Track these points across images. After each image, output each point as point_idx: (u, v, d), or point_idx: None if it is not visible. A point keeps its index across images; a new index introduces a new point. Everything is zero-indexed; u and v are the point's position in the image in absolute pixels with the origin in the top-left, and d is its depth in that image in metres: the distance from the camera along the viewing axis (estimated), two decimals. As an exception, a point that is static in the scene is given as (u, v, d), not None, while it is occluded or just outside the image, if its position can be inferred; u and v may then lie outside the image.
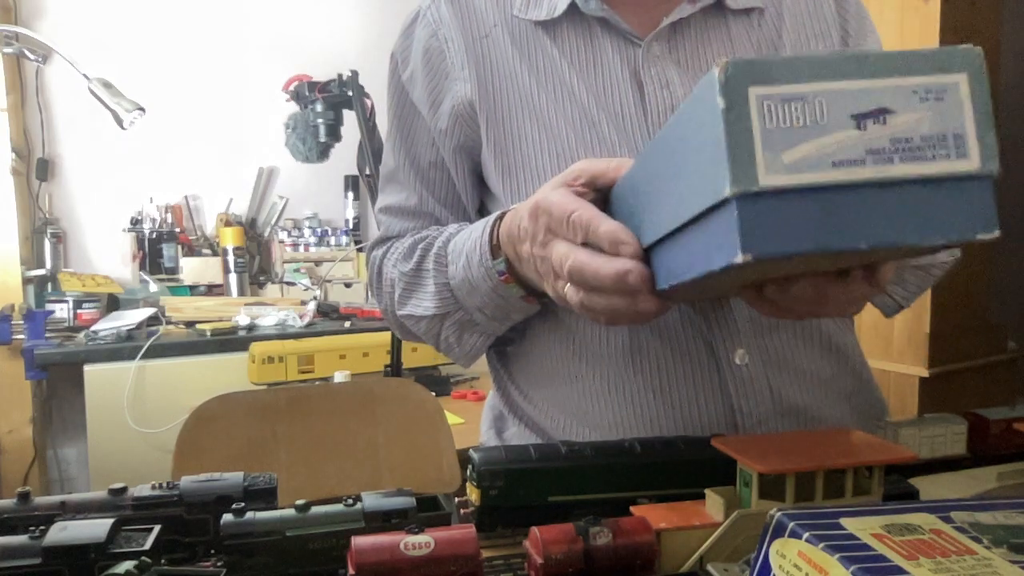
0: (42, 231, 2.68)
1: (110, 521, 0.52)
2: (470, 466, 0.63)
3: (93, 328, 2.26)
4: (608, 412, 0.80)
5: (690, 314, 0.77)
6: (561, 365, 0.83)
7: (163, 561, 0.51)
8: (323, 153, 2.53)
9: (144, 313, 2.38)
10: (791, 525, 0.42)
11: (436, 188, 0.89)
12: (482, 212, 0.89)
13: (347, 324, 2.52)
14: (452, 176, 0.87)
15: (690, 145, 0.40)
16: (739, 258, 0.36)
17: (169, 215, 2.86)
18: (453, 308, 0.79)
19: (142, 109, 2.25)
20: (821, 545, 0.39)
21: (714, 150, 0.36)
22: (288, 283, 2.92)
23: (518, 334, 0.87)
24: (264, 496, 0.59)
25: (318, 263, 2.99)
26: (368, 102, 2.41)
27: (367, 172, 2.20)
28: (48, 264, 2.65)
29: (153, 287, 2.68)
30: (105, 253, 2.81)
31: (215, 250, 2.87)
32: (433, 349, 0.88)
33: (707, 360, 0.77)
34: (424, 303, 0.82)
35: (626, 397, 0.79)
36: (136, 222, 2.82)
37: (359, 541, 0.48)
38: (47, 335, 2.28)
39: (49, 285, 2.58)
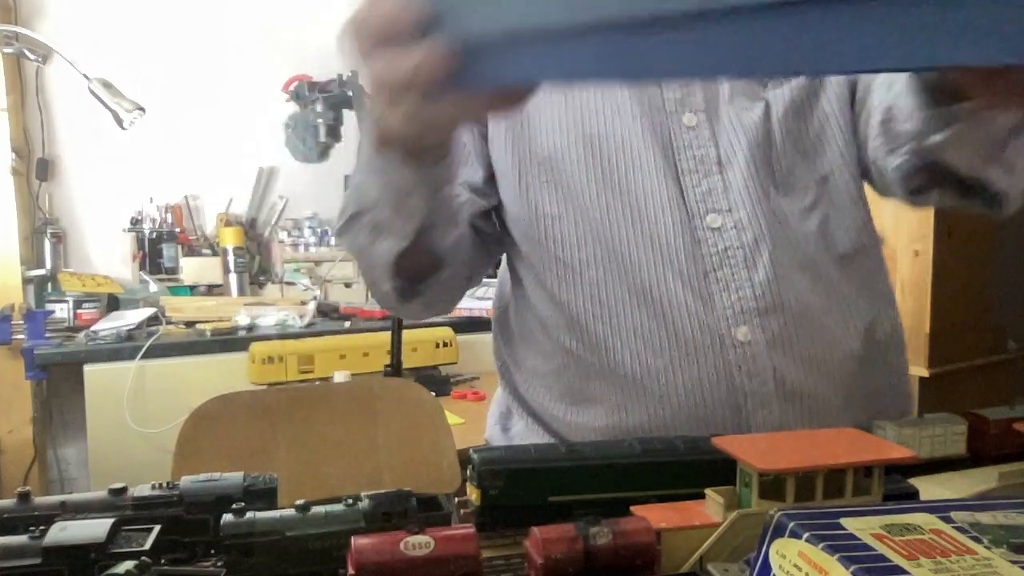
0: (42, 231, 2.68)
1: (110, 521, 0.52)
2: (470, 466, 0.63)
3: (93, 328, 2.26)
4: (611, 393, 0.81)
5: (692, 291, 0.78)
6: (562, 348, 0.84)
7: (163, 561, 0.51)
8: (323, 153, 2.53)
9: (144, 313, 2.38)
10: (791, 525, 0.42)
11: None
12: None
13: (347, 324, 2.51)
14: None
15: None
16: None
17: (169, 215, 2.86)
18: (361, 208, 0.74)
19: (142, 109, 2.25)
20: (821, 545, 0.39)
21: None
22: (288, 283, 2.91)
23: (520, 318, 0.87)
24: (264, 496, 0.59)
25: (318, 263, 2.98)
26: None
27: (367, 172, 2.20)
28: (48, 264, 2.64)
29: (153, 287, 2.68)
30: (105, 253, 2.81)
31: (215, 250, 2.87)
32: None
33: (710, 338, 0.78)
34: (344, 211, 0.78)
35: (627, 378, 0.80)
36: (136, 222, 2.81)
37: (359, 541, 0.48)
38: (47, 335, 2.28)
39: (49, 285, 2.58)
